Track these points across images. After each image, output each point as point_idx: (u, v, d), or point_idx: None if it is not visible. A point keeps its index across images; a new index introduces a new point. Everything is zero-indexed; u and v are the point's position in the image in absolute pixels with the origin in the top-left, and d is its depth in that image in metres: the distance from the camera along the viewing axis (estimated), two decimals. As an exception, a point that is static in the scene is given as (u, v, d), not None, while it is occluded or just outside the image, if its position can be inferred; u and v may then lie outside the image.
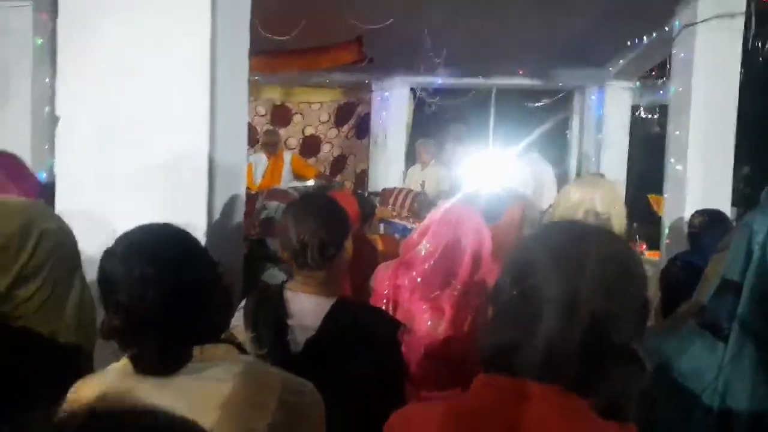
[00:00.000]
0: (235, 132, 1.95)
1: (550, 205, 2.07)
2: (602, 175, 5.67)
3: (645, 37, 4.69)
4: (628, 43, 5.06)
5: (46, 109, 4.23)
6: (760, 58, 4.22)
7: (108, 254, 0.94)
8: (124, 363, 0.90)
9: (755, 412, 1.02)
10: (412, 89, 6.49)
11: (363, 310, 1.49)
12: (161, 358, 0.87)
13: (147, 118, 1.75)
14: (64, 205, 1.63)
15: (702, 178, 3.72)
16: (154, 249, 0.93)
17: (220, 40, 1.77)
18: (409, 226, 4.21)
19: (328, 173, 6.71)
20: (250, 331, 1.27)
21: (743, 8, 3.59)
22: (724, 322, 1.08)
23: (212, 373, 0.88)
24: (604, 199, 1.79)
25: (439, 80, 6.19)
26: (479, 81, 6.29)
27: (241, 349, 1.00)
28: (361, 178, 6.80)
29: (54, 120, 1.83)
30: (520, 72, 6.05)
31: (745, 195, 6.20)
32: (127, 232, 0.97)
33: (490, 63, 5.87)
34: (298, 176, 5.73)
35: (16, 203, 1.12)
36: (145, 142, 1.72)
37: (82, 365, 1.15)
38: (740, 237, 1.10)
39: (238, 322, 1.35)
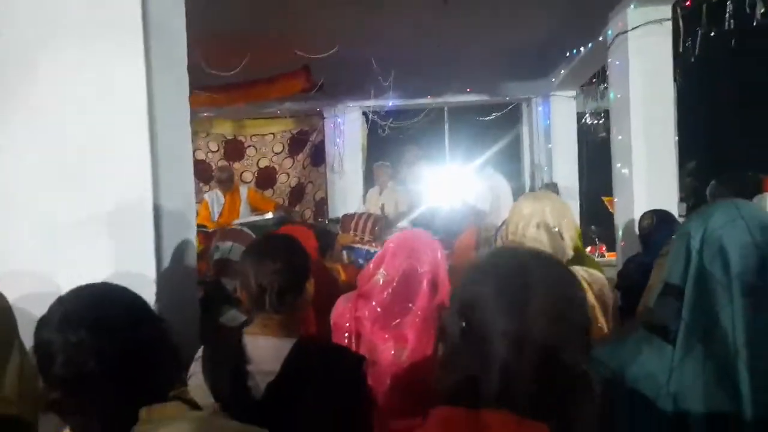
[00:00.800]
0: (179, 174, 1.92)
1: (503, 222, 2.10)
2: (555, 185, 5.82)
3: (582, 48, 4.87)
4: (567, 54, 5.25)
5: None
6: (692, 58, 4.42)
7: (42, 323, 0.90)
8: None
9: (708, 412, 1.05)
10: (364, 113, 6.55)
11: (323, 349, 1.47)
12: (104, 428, 0.83)
13: (86, 169, 1.70)
14: (1, 265, 1.57)
15: (647, 179, 3.86)
16: (91, 313, 0.89)
17: (156, 82, 1.75)
18: (372, 249, 4.21)
19: (287, 204, 6.67)
20: (207, 380, 1.23)
21: (669, 14, 3.77)
22: (670, 324, 1.11)
23: (161, 435, 0.85)
24: (553, 211, 1.83)
25: (390, 102, 6.26)
26: (429, 101, 6.40)
27: (192, 404, 0.96)
28: (321, 205, 6.78)
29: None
30: (469, 89, 6.19)
31: (693, 189, 6.45)
32: (60, 297, 0.93)
33: (439, 82, 5.99)
34: (256, 210, 5.67)
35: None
36: (86, 193, 1.67)
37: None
38: (679, 242, 1.14)
39: (197, 369, 1.31)
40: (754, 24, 3.99)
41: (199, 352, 1.41)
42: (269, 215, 5.27)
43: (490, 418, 0.78)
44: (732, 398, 1.03)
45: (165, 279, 1.73)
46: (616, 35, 4.00)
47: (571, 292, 0.81)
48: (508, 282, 0.80)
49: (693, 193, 6.22)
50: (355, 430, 1.28)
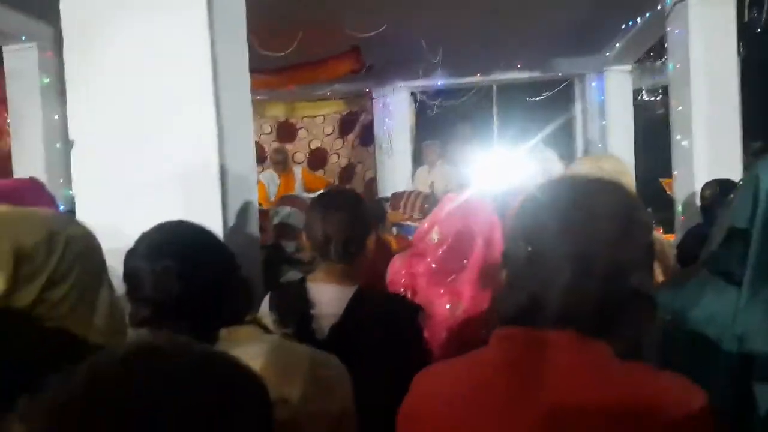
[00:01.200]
0: (242, 141, 2.00)
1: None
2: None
3: (638, 19, 4.71)
4: (623, 26, 5.09)
5: (57, 144, 4.37)
6: (758, 29, 4.21)
7: (130, 253, 0.99)
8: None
9: (774, 353, 1.04)
10: (412, 93, 6.55)
11: (384, 296, 1.53)
12: (194, 342, 0.91)
13: (155, 134, 1.80)
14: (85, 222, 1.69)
15: (709, 151, 3.72)
16: (173, 243, 0.97)
17: (219, 50, 1.83)
18: (414, 225, 4.24)
19: (337, 183, 6.77)
20: (274, 322, 1.31)
21: (733, -22, 3.60)
22: (735, 267, 1.09)
23: (240, 351, 0.91)
24: (612, 170, 1.82)
25: (438, 82, 6.24)
26: (478, 79, 6.33)
27: (266, 329, 1.03)
28: (370, 185, 6.85)
29: (68, 145, 1.90)
30: (519, 66, 6.09)
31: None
32: (145, 231, 1.02)
33: (488, 59, 5.92)
34: (310, 189, 5.80)
35: (41, 213, 1.17)
36: (156, 153, 1.78)
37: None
38: (746, 186, 1.12)
39: (264, 314, 1.38)
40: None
41: (265, 300, 1.49)
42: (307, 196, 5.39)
43: (552, 337, 0.80)
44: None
45: (230, 239, 1.82)
46: (675, 3, 3.85)
47: (636, 213, 0.82)
48: (574, 204, 0.81)
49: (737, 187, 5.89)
50: (413, 372, 1.33)
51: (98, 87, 1.82)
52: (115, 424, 0.43)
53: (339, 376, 1.02)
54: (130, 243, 1.71)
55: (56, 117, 4.38)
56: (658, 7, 4.21)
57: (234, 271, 1.01)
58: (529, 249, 0.84)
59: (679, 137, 3.96)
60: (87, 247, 1.19)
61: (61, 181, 4.26)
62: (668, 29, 4.04)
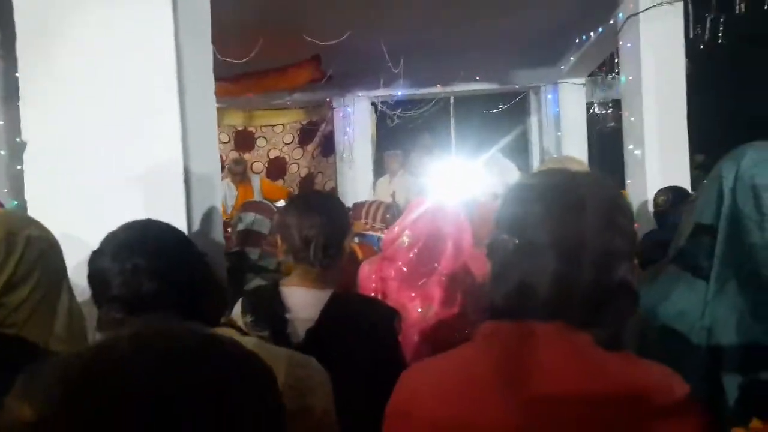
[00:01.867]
0: (206, 144, 1.95)
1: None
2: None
3: (592, 33, 4.89)
4: (576, 39, 5.27)
5: (1, 152, 4.16)
6: (701, 46, 4.43)
7: (97, 253, 0.94)
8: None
9: (743, 344, 1.07)
10: (372, 103, 6.58)
11: (360, 300, 1.51)
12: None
13: (117, 136, 1.74)
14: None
15: (660, 159, 3.87)
16: (143, 242, 0.93)
17: (184, 49, 1.79)
18: (382, 235, 4.24)
19: (296, 193, 6.70)
20: (248, 326, 1.26)
21: (681, -5, 3.78)
22: (702, 262, 1.13)
23: (218, 353, 0.88)
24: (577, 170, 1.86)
25: (399, 92, 6.29)
26: (438, 90, 6.42)
27: (242, 331, 1.00)
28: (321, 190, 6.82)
29: (20, 148, 1.80)
30: (478, 77, 6.20)
31: (701, 181, 6.41)
32: (112, 231, 0.97)
33: (448, 71, 6.01)
34: (269, 199, 5.72)
35: (-2, 212, 1.10)
36: (118, 160, 1.71)
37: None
38: (711, 183, 1.16)
39: (236, 318, 1.34)
40: (766, 8, 4.01)
41: (237, 305, 1.44)
42: (282, 203, 5.32)
43: (538, 328, 0.80)
44: (766, 330, 1.05)
45: (195, 242, 1.76)
46: (628, 17, 4.01)
47: (619, 203, 0.83)
48: (559, 195, 0.82)
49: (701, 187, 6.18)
50: (389, 375, 1.31)
51: (55, 87, 1.75)
52: (124, 402, 0.41)
53: (318, 377, 1.00)
54: (88, 247, 1.64)
55: (0, 123, 4.18)
56: (611, 22, 4.38)
57: (206, 270, 0.97)
58: (516, 241, 0.84)
59: (631, 147, 4.10)
60: (48, 249, 1.13)
61: (6, 190, 4.06)
62: (620, 43, 4.20)
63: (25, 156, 1.77)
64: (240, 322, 1.23)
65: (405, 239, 1.81)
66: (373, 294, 1.80)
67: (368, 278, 1.84)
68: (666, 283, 1.19)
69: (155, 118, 1.73)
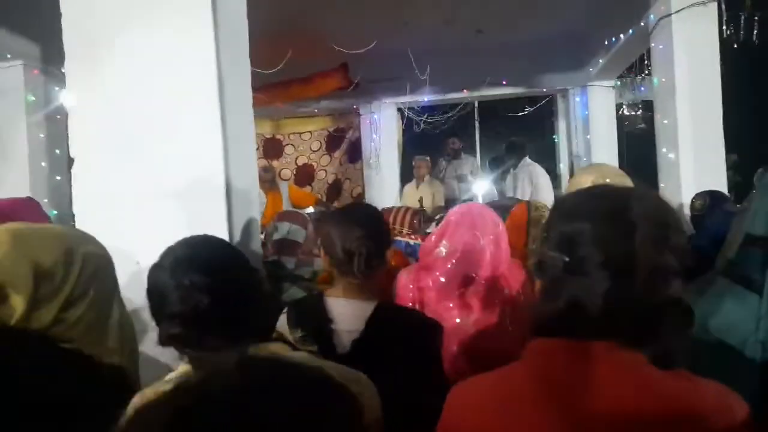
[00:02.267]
0: (245, 156, 1.98)
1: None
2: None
3: (622, 35, 4.82)
4: (606, 42, 5.20)
5: (43, 163, 4.29)
6: (735, 45, 4.34)
7: (156, 268, 0.96)
8: (183, 369, 0.92)
9: (798, 358, 1.05)
10: (399, 109, 6.60)
11: (404, 312, 1.53)
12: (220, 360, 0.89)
13: (160, 150, 1.78)
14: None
15: (694, 162, 3.80)
16: (200, 258, 0.95)
17: (224, 63, 1.82)
18: (411, 242, 4.24)
19: (325, 200, 6.75)
20: (297, 332, 1.28)
21: (714, -5, 3.71)
22: (754, 274, 1.11)
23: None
24: (615, 181, 1.84)
25: (425, 98, 6.30)
26: (465, 95, 6.40)
27: (292, 346, 1.02)
28: (358, 201, 6.85)
29: (68, 163, 1.86)
30: (504, 82, 6.17)
31: (735, 182, 6.27)
32: (171, 246, 1.00)
33: (474, 75, 6.00)
34: (297, 206, 5.77)
35: (57, 229, 1.14)
36: (161, 173, 1.75)
37: (129, 386, 1.16)
38: (763, 194, 1.14)
39: (282, 330, 1.36)
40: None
41: (282, 316, 1.46)
42: (310, 210, 5.37)
43: (590, 347, 0.80)
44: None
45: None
46: (659, 19, 3.95)
47: (671, 217, 0.82)
48: (612, 214, 0.81)
49: (734, 187, 6.04)
50: (434, 385, 1.32)
51: (102, 103, 1.80)
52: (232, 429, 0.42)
53: (368, 392, 1.01)
54: (133, 259, 1.69)
55: (42, 135, 4.31)
56: (642, 23, 4.31)
57: (259, 285, 1.00)
58: (566, 259, 0.84)
59: (665, 150, 4.03)
60: (102, 265, 1.17)
61: (46, 200, 4.19)
62: (652, 45, 4.14)
63: (74, 170, 1.83)
64: (287, 335, 1.25)
65: (443, 249, 1.81)
66: (410, 303, 1.81)
67: (405, 287, 1.84)
68: (716, 297, 1.17)
69: (197, 132, 1.77)
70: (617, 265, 0.79)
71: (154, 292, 0.96)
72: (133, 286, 1.74)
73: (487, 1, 4.56)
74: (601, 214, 0.83)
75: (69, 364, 1.02)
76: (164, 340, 0.92)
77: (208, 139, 1.76)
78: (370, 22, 4.78)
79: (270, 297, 1.05)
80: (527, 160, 5.57)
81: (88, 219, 1.76)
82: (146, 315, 1.72)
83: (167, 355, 1.64)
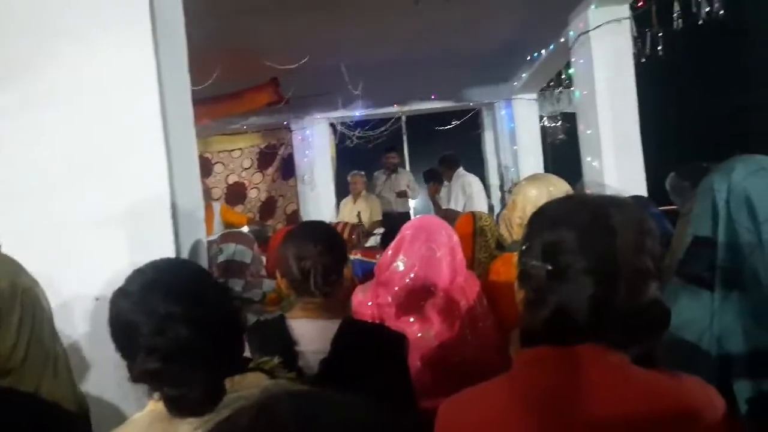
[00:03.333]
0: (189, 171, 1.90)
1: (504, 207, 2.17)
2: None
3: (543, 50, 5.07)
4: (528, 57, 5.46)
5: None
6: (642, 59, 4.67)
7: (122, 295, 0.88)
8: (151, 409, 0.85)
9: (751, 351, 1.12)
10: (331, 124, 6.58)
11: (369, 327, 1.50)
12: (208, 396, 0.83)
13: (101, 171, 1.67)
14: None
15: (617, 170, 4.04)
16: (175, 284, 0.89)
17: (165, 80, 1.74)
18: (351, 257, 4.22)
19: (258, 218, 6.60)
20: (274, 359, 1.23)
21: (627, 13, 3.99)
22: (704, 272, 1.18)
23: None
24: (556, 191, 1.90)
25: (357, 113, 6.32)
26: (396, 109, 6.49)
27: (271, 374, 0.97)
28: (293, 218, 6.74)
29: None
30: (433, 96, 6.31)
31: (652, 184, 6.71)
32: (138, 270, 0.92)
33: (405, 90, 6.10)
34: (229, 225, 5.60)
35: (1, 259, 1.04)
36: (103, 191, 1.65)
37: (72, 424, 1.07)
38: (704, 198, 1.21)
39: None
40: (699, 23, 4.26)
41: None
42: (245, 229, 5.22)
43: (578, 352, 0.81)
44: (769, 333, 1.10)
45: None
46: (579, 35, 4.19)
47: (647, 224, 0.85)
48: (592, 222, 0.84)
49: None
50: (403, 399, 1.31)
51: (34, 124, 1.66)
52: None
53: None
54: (70, 288, 1.57)
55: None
56: (562, 39, 4.56)
57: (238, 313, 0.94)
58: (549, 267, 0.85)
59: (589, 159, 4.26)
60: (38, 296, 1.08)
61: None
62: (573, 59, 4.38)
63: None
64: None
65: (400, 264, 1.81)
66: (370, 320, 1.78)
67: (363, 304, 1.82)
68: (671, 296, 1.23)
69: (140, 152, 1.67)
70: (601, 271, 0.81)
71: (120, 322, 0.88)
72: (74, 318, 1.62)
73: (415, 16, 4.65)
74: (583, 222, 0.85)
75: (8, 398, 0.92)
76: (138, 376, 0.84)
77: (152, 158, 1.67)
78: (301, 37, 4.75)
79: (244, 323, 0.99)
80: (461, 171, 5.72)
81: (19, 246, 1.61)
82: (89, 349, 1.61)
83: (111, 392, 1.54)
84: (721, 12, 4.08)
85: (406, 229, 1.88)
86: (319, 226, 1.56)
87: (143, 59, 1.68)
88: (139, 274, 0.91)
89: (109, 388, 1.52)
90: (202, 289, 0.91)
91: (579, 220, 0.85)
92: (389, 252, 1.86)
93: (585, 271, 0.81)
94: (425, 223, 1.89)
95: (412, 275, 1.77)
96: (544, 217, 0.92)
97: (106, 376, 1.33)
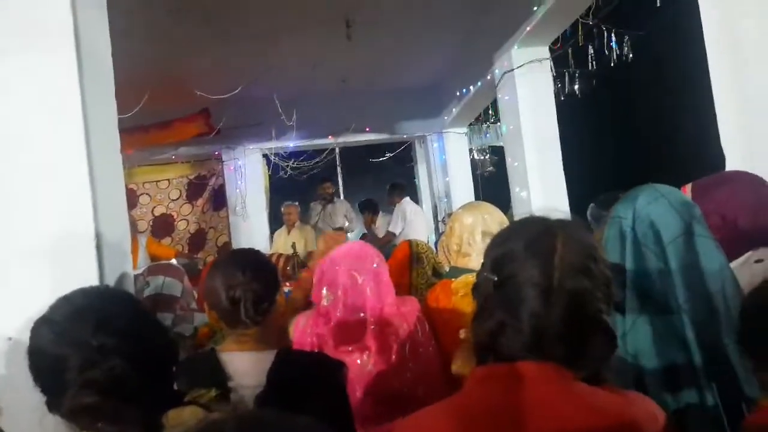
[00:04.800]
0: (115, 205, 1.82)
1: (442, 233, 2.21)
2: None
3: (472, 87, 5.29)
4: (457, 93, 5.67)
5: None
6: (561, 98, 4.96)
7: (45, 323, 0.82)
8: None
9: (662, 366, 1.18)
10: (264, 155, 6.52)
11: (305, 357, 1.46)
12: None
13: (19, 201, 1.57)
14: None
15: (543, 199, 4.24)
16: (105, 313, 0.83)
17: (90, 109, 1.68)
18: (286, 290, 4.14)
19: (187, 251, 6.37)
20: (212, 391, 1.17)
21: (548, 54, 4.25)
22: (615, 296, 1.24)
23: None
24: (491, 219, 1.96)
25: (290, 144, 6.30)
26: (330, 141, 6.52)
27: (207, 408, 0.93)
28: (225, 250, 6.55)
29: None
30: (367, 128, 6.41)
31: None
32: (63, 297, 0.86)
33: (339, 122, 6.16)
34: (156, 259, 5.37)
35: None
36: (21, 227, 1.54)
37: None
38: (611, 227, 1.29)
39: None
40: (611, 65, 4.60)
41: None
42: (173, 262, 5.02)
43: (529, 369, 0.83)
44: (680, 349, 1.16)
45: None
46: (504, 73, 4.41)
47: (594, 249, 0.89)
48: (537, 238, 0.87)
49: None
50: (344, 429, 1.28)
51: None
52: None
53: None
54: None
55: None
56: (489, 77, 4.78)
57: (174, 344, 0.90)
58: (495, 278, 0.88)
59: (517, 189, 4.45)
60: None
61: None
62: (499, 96, 4.59)
63: None
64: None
65: (325, 297, 1.78)
66: (309, 349, 1.75)
67: (304, 333, 1.78)
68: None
69: (63, 183, 1.59)
70: (538, 285, 0.84)
71: (43, 354, 0.81)
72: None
73: (348, 51, 4.74)
74: (531, 236, 0.88)
75: None
76: (71, 412, 0.77)
77: (75, 188, 1.59)
78: (234, 67, 4.71)
79: (177, 354, 0.94)
80: (406, 199, 5.87)
81: None
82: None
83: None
84: (630, 55, 4.44)
85: (325, 261, 1.85)
86: (246, 253, 1.52)
87: (67, 84, 1.61)
88: (65, 301, 0.85)
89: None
90: (135, 319, 0.87)
91: (527, 235, 0.89)
92: (318, 284, 1.83)
93: (525, 283, 0.84)
94: (345, 252, 1.85)
95: (340, 306, 1.74)
96: (499, 235, 0.95)
97: (25, 421, 1.23)
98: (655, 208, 1.22)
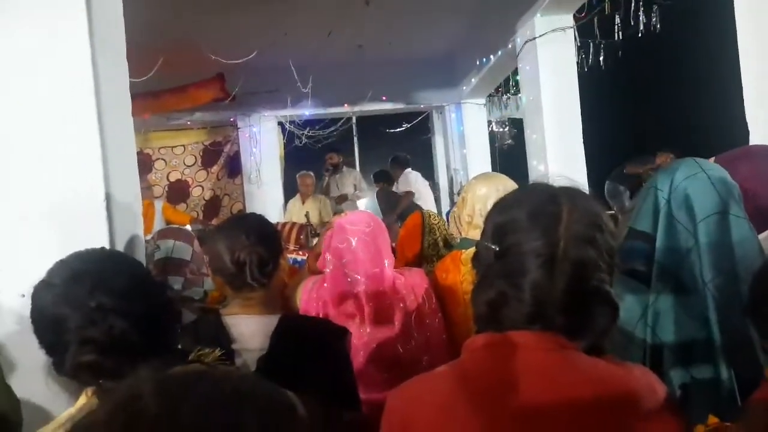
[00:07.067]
0: (126, 167, 1.81)
1: (455, 205, 2.17)
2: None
3: (492, 56, 5.17)
4: (477, 62, 5.55)
5: None
6: (585, 68, 4.83)
7: (45, 287, 0.82)
8: (85, 403, 0.79)
9: (681, 341, 1.16)
10: (279, 123, 6.48)
11: (308, 322, 1.45)
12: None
13: (30, 161, 1.57)
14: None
15: (561, 173, 4.15)
16: (104, 274, 0.83)
17: (101, 71, 1.65)
18: (299, 258, 4.15)
19: (201, 217, 6.42)
20: (217, 351, 1.17)
21: (571, 22, 4.11)
22: (640, 266, 1.21)
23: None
24: (505, 190, 1.92)
25: (306, 112, 6.25)
26: (346, 109, 6.46)
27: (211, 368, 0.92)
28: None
29: None
30: (384, 98, 6.32)
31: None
32: (61, 261, 0.86)
33: (356, 90, 6.08)
34: (171, 224, 5.42)
35: None
36: (31, 188, 1.54)
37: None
38: (647, 195, 1.25)
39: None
40: (639, 35, 4.45)
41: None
42: (188, 227, 5.06)
43: (528, 338, 0.81)
44: (701, 327, 1.14)
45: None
46: (525, 42, 4.29)
47: (599, 218, 0.86)
48: (542, 206, 0.84)
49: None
50: (346, 394, 1.28)
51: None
52: None
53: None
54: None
55: None
56: (509, 46, 4.65)
57: (172, 303, 0.89)
58: (496, 248, 0.85)
59: (535, 162, 4.37)
60: None
61: None
62: (519, 65, 4.48)
63: None
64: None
65: (329, 261, 1.77)
66: (315, 315, 1.74)
67: (309, 300, 1.78)
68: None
69: (72, 142, 1.58)
70: (541, 255, 0.81)
71: (44, 315, 0.81)
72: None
73: (366, 17, 4.64)
74: (534, 205, 0.85)
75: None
76: (72, 370, 0.77)
77: (85, 149, 1.58)
78: (249, 32, 4.65)
79: (179, 316, 0.94)
80: (408, 170, 5.79)
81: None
82: (15, 349, 1.50)
83: (40, 394, 1.43)
84: (658, 26, 4.29)
85: (328, 228, 1.85)
86: (248, 217, 1.51)
87: (77, 45, 1.59)
88: (62, 265, 0.85)
89: (38, 392, 1.42)
90: (132, 279, 0.86)
91: (531, 203, 0.86)
92: (323, 251, 1.83)
93: (528, 253, 0.82)
94: (347, 218, 1.84)
95: (340, 270, 1.73)
96: (501, 202, 0.92)
97: (34, 378, 1.24)
98: (693, 182, 1.19)
